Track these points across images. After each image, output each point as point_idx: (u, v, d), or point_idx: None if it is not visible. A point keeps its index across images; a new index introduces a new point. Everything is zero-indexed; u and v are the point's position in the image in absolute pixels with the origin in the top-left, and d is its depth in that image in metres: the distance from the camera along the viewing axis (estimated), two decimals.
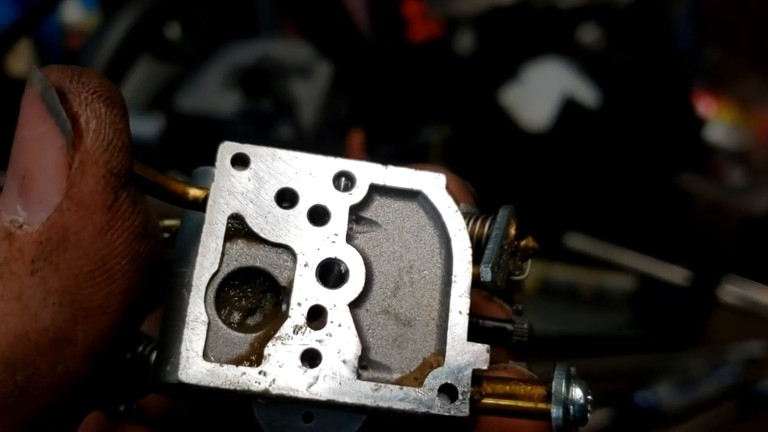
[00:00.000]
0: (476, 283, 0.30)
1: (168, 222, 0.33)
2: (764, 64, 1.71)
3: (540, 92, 1.59)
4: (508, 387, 0.30)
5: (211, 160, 0.31)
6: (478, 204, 0.35)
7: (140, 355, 0.31)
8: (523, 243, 0.34)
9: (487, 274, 0.30)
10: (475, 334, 0.31)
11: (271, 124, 1.13)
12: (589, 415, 0.29)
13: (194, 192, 0.30)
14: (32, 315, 0.24)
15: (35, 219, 0.25)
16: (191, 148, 1.19)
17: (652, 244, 1.38)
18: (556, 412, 0.29)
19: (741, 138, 1.65)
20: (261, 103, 1.11)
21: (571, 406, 0.29)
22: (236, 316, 0.29)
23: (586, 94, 1.61)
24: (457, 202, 0.31)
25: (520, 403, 0.30)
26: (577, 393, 0.29)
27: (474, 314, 0.31)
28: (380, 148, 1.28)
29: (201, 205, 0.30)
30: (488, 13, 1.78)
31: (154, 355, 0.30)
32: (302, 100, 1.16)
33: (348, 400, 0.28)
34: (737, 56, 1.76)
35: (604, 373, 1.26)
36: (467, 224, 0.31)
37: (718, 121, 1.66)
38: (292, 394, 0.27)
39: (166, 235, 0.33)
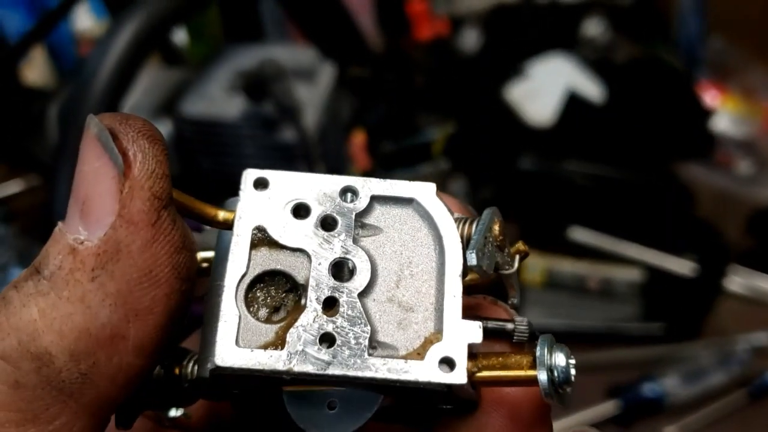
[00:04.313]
0: (466, 272, 0.34)
1: (206, 254, 0.37)
2: None
3: (544, 87, 1.60)
4: (500, 358, 0.33)
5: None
6: (472, 213, 0.38)
7: (185, 367, 0.36)
8: (514, 248, 0.37)
9: (472, 259, 0.33)
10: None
11: (275, 127, 1.15)
12: (573, 377, 0.32)
13: (225, 214, 0.35)
14: (93, 314, 0.29)
15: (94, 236, 0.30)
16: (198, 153, 1.22)
17: (657, 235, 1.39)
18: (542, 375, 0.32)
19: (747, 128, 1.65)
20: (264, 106, 1.13)
21: (555, 370, 0.32)
22: (263, 313, 0.33)
23: (591, 88, 1.62)
24: (447, 206, 0.35)
25: (511, 373, 0.33)
26: (560, 357, 0.32)
27: (477, 316, 0.35)
28: (383, 147, 1.30)
29: (231, 225, 0.35)
30: (493, 11, 1.80)
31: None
32: (305, 103, 1.17)
33: (360, 373, 0.31)
34: (742, 47, 1.75)
35: (612, 365, 1.27)
36: (457, 227, 0.35)
37: (724, 112, 1.66)
38: (311, 370, 0.31)
39: (205, 264, 0.37)
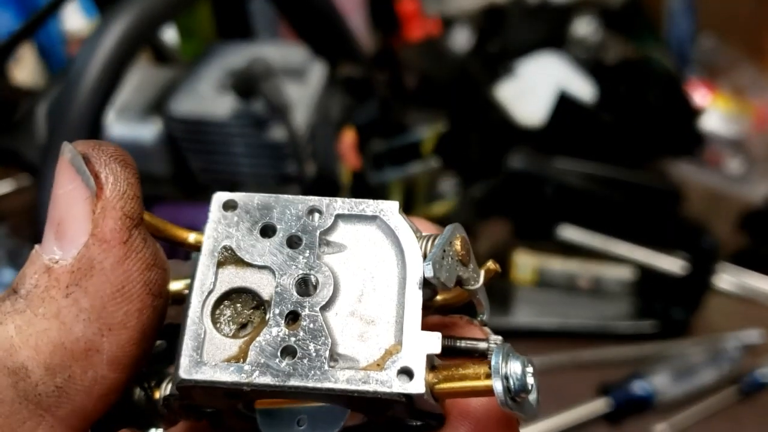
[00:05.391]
0: (427, 284, 0.34)
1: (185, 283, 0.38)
2: (760, 52, 1.71)
3: (535, 87, 1.61)
4: (460, 370, 0.33)
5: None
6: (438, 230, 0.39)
7: (164, 389, 0.37)
8: (484, 266, 0.37)
9: (429, 270, 0.33)
10: (450, 353, 0.35)
11: (265, 126, 1.15)
12: (530, 385, 0.32)
13: (196, 236, 0.36)
14: (67, 329, 0.30)
15: (69, 255, 0.31)
16: (187, 152, 1.21)
17: (648, 234, 1.39)
18: (497, 384, 0.32)
19: (737, 127, 1.66)
20: (254, 105, 1.12)
21: (511, 378, 0.32)
22: (229, 329, 0.34)
23: (582, 87, 1.62)
24: (411, 224, 0.36)
25: (469, 384, 0.33)
26: (515, 365, 0.32)
27: (450, 336, 0.36)
28: (373, 146, 1.29)
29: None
30: (484, 11, 1.80)
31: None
32: (295, 102, 1.17)
33: (319, 384, 0.32)
34: (732, 45, 1.76)
35: (602, 363, 1.27)
36: (420, 245, 0.35)
37: (714, 111, 1.67)
38: (271, 381, 0.32)
39: (186, 291, 0.37)
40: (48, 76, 1.64)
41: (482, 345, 0.36)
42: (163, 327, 0.35)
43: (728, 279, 1.40)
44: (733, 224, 1.50)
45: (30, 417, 0.30)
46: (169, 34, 1.59)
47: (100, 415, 0.33)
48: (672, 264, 1.37)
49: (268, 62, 1.14)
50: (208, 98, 1.18)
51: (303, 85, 1.23)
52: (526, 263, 1.37)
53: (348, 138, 1.25)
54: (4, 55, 1.19)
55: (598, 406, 1.19)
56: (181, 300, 0.37)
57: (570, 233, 1.40)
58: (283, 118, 1.12)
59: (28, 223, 1.43)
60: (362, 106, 1.29)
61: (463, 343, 0.36)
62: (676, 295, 1.33)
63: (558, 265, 1.38)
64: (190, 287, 0.35)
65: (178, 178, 1.23)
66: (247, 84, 1.11)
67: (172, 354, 0.34)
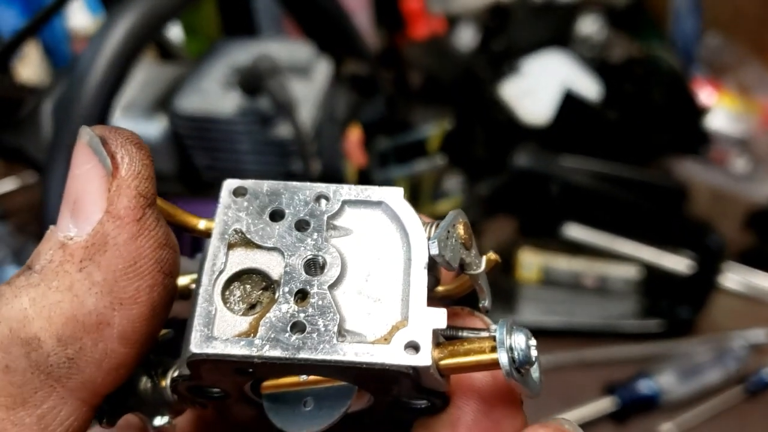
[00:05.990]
0: (431, 268, 0.35)
1: (195, 276, 0.39)
2: (765, 51, 1.71)
3: (540, 85, 1.60)
4: (465, 344, 0.34)
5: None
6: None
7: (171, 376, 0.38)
8: (486, 255, 0.38)
9: (434, 248, 0.34)
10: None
11: (270, 123, 1.14)
12: (534, 358, 0.33)
13: (206, 223, 0.37)
14: (80, 301, 0.31)
15: (83, 231, 0.32)
16: (193, 149, 1.21)
17: (653, 233, 1.39)
18: (502, 356, 0.32)
19: (743, 126, 1.66)
20: (260, 102, 1.12)
21: (515, 350, 0.33)
22: (239, 308, 0.35)
23: (587, 86, 1.62)
24: (414, 209, 0.37)
25: (474, 358, 0.34)
26: (519, 338, 0.33)
27: (452, 326, 0.37)
28: (379, 144, 1.29)
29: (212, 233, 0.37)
30: (489, 9, 1.80)
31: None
32: (301, 99, 1.17)
33: (328, 357, 0.32)
34: (738, 44, 1.76)
35: (608, 362, 1.27)
36: (424, 229, 0.36)
37: (720, 109, 1.66)
38: (281, 354, 0.32)
39: (194, 286, 0.38)
40: (52, 73, 1.64)
41: (483, 335, 0.36)
42: (169, 315, 0.35)
43: (734, 278, 1.40)
44: (739, 223, 1.49)
45: (41, 387, 0.31)
46: (174, 31, 1.59)
47: (109, 391, 0.33)
48: (678, 263, 1.36)
49: (274, 59, 1.14)
50: (213, 95, 1.18)
51: (308, 83, 1.23)
52: (531, 261, 1.37)
53: (353, 135, 1.25)
54: (9, 52, 1.19)
55: (603, 405, 1.19)
56: (187, 296, 0.38)
57: (575, 231, 1.40)
58: (289, 116, 1.12)
59: (32, 221, 1.43)
60: (368, 103, 1.29)
61: (464, 333, 0.36)
62: (682, 294, 1.33)
63: (563, 264, 1.37)
64: (199, 270, 0.36)
65: (183, 175, 1.23)
66: (252, 81, 1.11)
67: (178, 344, 0.35)
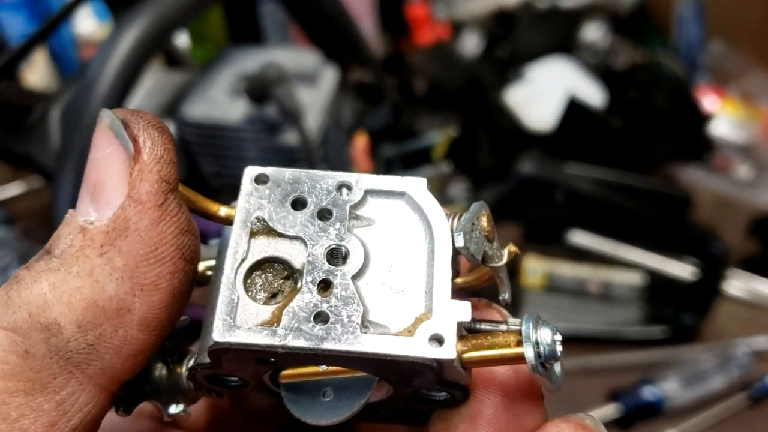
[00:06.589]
0: (456, 255, 0.35)
1: (210, 263, 0.38)
2: None
3: (544, 92, 1.61)
4: (489, 338, 0.34)
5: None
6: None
7: (187, 365, 0.38)
8: (506, 248, 0.37)
9: (459, 240, 0.34)
10: (470, 333, 0.35)
11: (277, 130, 1.15)
12: (559, 353, 0.33)
13: (227, 210, 0.37)
14: (101, 287, 0.30)
15: (104, 216, 0.31)
16: (200, 156, 1.22)
17: (657, 239, 1.40)
18: (528, 350, 0.32)
19: (746, 133, 1.66)
20: (267, 109, 1.13)
21: (541, 345, 0.32)
22: (261, 297, 0.34)
23: (591, 92, 1.62)
24: (438, 199, 0.37)
25: (499, 351, 0.34)
26: (546, 332, 0.33)
27: (472, 318, 0.35)
28: (385, 151, 1.30)
29: (232, 221, 0.36)
30: (493, 16, 1.80)
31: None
32: (307, 106, 1.17)
33: (352, 348, 0.32)
34: (742, 51, 1.76)
35: (612, 368, 1.27)
36: (447, 219, 0.36)
37: (723, 116, 1.67)
38: (305, 344, 0.32)
39: (209, 273, 0.38)
40: (59, 79, 1.65)
41: (502, 327, 0.36)
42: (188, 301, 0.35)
43: (738, 285, 1.40)
44: (742, 230, 1.49)
45: (60, 373, 0.30)
46: (181, 39, 1.59)
47: (127, 377, 0.33)
48: (682, 269, 1.37)
49: (281, 67, 1.15)
50: (220, 103, 1.19)
51: (315, 90, 1.24)
52: (535, 268, 1.37)
53: (360, 143, 1.25)
54: (18, 59, 1.20)
55: (607, 411, 1.19)
56: (204, 282, 0.37)
57: (580, 238, 1.40)
58: (296, 123, 1.12)
59: (39, 226, 1.43)
60: (374, 111, 1.30)
61: (483, 325, 0.36)
62: (686, 301, 1.33)
63: (568, 270, 1.38)
64: (219, 258, 0.35)
65: (189, 182, 1.23)
66: (259, 89, 1.12)
67: (194, 331, 0.35)
